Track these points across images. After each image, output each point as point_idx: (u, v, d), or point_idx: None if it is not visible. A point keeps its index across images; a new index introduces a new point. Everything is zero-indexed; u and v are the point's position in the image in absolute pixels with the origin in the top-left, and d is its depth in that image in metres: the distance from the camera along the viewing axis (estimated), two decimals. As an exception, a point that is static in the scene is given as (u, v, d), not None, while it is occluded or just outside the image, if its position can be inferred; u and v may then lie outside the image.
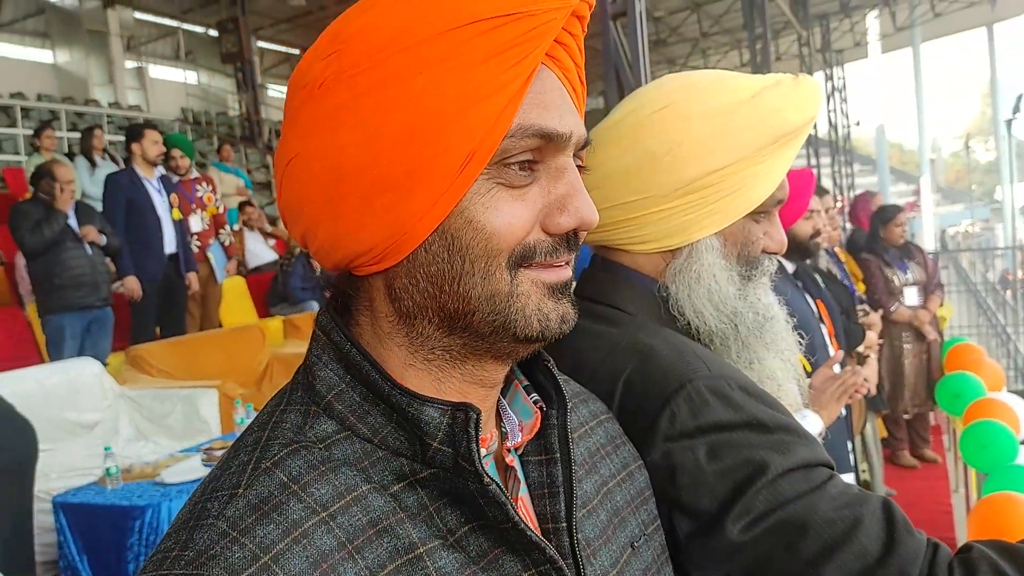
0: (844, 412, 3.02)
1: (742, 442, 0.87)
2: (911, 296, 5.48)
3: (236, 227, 8.82)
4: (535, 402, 0.76)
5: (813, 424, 2.35)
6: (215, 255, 6.77)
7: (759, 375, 1.12)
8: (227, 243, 7.00)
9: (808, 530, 0.83)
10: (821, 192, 4.74)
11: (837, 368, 3.11)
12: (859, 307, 4.52)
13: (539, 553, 0.66)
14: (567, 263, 0.70)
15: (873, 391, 4.34)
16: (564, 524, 0.71)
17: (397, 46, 0.63)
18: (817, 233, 2.99)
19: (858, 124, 28.37)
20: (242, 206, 9.10)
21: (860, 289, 5.09)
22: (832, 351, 3.07)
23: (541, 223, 0.67)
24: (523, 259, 0.67)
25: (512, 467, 0.73)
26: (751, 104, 1.08)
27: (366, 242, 0.66)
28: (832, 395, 2.36)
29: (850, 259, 5.22)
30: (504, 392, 0.78)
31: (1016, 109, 20.64)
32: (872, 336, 4.18)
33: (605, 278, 1.14)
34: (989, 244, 35.51)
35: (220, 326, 6.99)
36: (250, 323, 7.15)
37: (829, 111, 21.26)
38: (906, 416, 5.73)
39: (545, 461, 0.74)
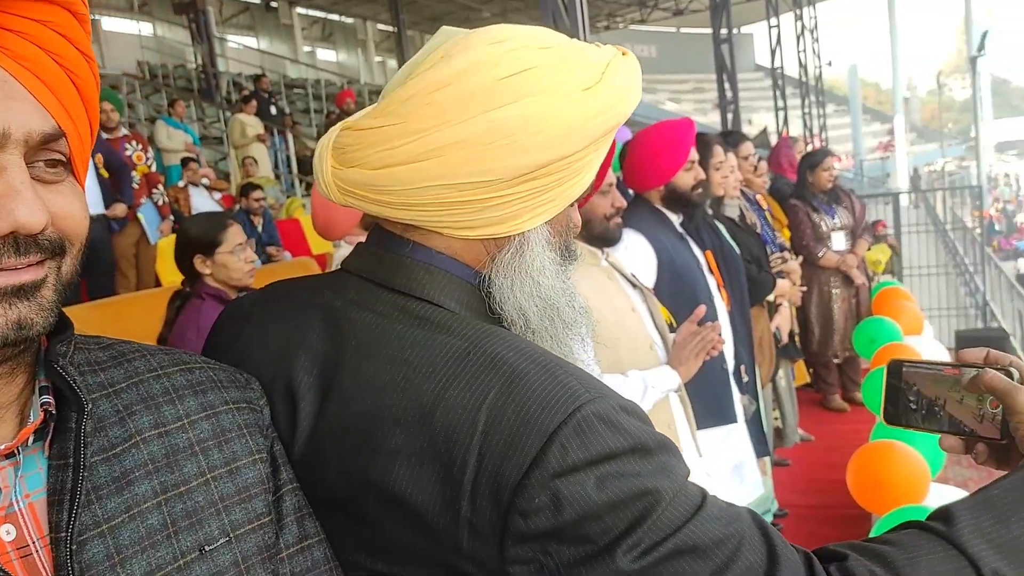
0: (731, 363, 3.04)
1: (630, 471, 0.81)
2: (839, 241, 5.48)
3: (181, 184, 8.71)
4: (43, 405, 0.74)
5: (671, 379, 2.35)
6: (147, 215, 6.66)
7: None
8: (160, 203, 6.88)
9: (698, 553, 0.80)
10: (738, 141, 4.70)
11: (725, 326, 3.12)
12: (777, 255, 4.51)
13: None
14: (26, 266, 0.67)
15: (785, 339, 4.37)
16: (64, 534, 0.70)
17: None
18: (699, 184, 2.94)
19: (830, 64, 28.16)
20: (185, 162, 8.95)
21: (784, 236, 5.08)
22: (720, 302, 3.06)
23: None
24: None
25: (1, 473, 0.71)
26: (603, 82, 0.94)
27: None
28: (691, 351, 2.35)
29: (775, 205, 5.19)
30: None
31: (981, 47, 20.53)
32: (784, 284, 4.18)
33: (416, 266, 0.97)
34: (964, 182, 35.66)
35: (159, 287, 6.90)
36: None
37: (799, 51, 21.05)
38: (836, 360, 5.76)
39: (61, 466, 0.72)
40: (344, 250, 3.02)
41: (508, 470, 0.80)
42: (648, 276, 2.76)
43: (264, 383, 0.94)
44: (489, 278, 0.97)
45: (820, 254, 5.42)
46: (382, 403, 0.86)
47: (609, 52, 0.97)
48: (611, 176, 2.32)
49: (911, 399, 1.04)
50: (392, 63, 23.83)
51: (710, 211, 3.59)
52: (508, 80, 0.90)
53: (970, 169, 39.92)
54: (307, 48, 23.34)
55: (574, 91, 0.91)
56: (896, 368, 1.07)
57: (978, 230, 16.32)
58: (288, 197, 11.06)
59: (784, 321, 4.20)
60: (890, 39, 37.08)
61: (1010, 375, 0.96)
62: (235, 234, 2.91)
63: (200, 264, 2.87)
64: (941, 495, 2.74)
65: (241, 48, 20.01)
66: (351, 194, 0.97)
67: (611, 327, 2.20)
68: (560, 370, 0.86)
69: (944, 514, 0.88)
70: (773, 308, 4.15)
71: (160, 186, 7.07)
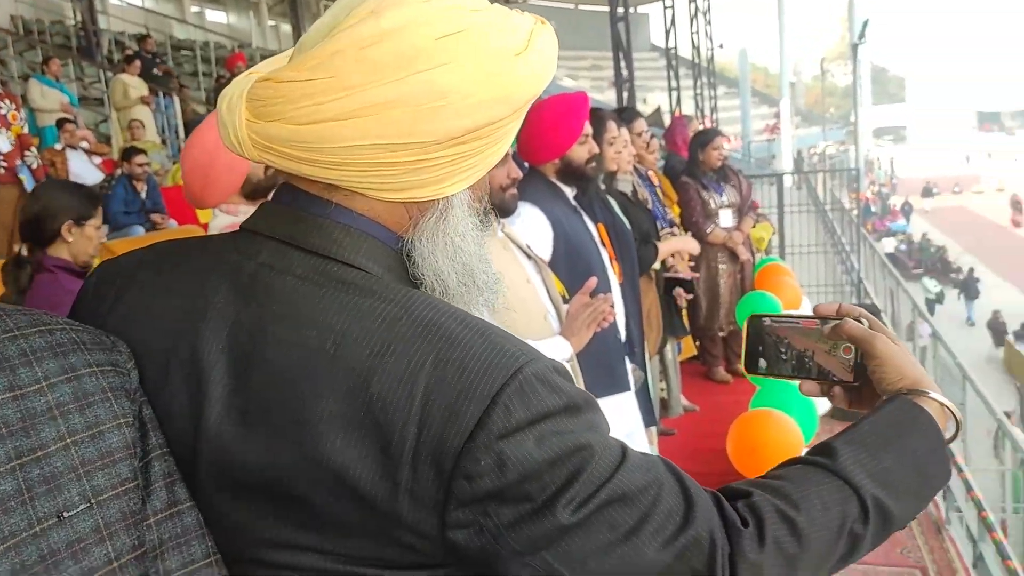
0: (623, 334, 3.12)
1: (565, 428, 0.83)
2: (726, 218, 5.65)
3: (59, 146, 8.27)
4: None
5: (563, 350, 2.40)
6: (25, 178, 6.31)
7: None
8: (35, 165, 6.51)
9: (626, 501, 0.84)
10: (631, 117, 4.80)
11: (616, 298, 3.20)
12: (667, 230, 4.64)
13: None
14: None
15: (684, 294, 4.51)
16: None
17: None
18: (593, 158, 2.99)
19: (721, 47, 28.86)
20: (61, 123, 8.49)
21: (675, 212, 5.22)
22: (612, 274, 3.13)
23: None
24: None
25: None
26: (530, 49, 0.93)
27: None
28: (583, 322, 2.40)
29: (666, 181, 5.32)
30: None
31: (862, 35, 21.49)
32: (674, 243, 4.30)
33: (336, 227, 0.93)
34: (843, 165, 37.24)
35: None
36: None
37: (693, 33, 21.52)
38: (721, 333, 5.98)
39: None
40: (222, 219, 2.77)
41: (451, 435, 0.80)
42: (544, 248, 2.80)
43: (157, 352, 0.90)
44: (411, 242, 0.96)
45: (708, 230, 5.59)
46: (310, 371, 0.83)
47: (530, 20, 0.97)
48: (507, 147, 2.34)
49: (781, 351, 1.13)
50: (286, 27, 23.07)
51: (603, 186, 3.66)
52: (443, 41, 0.87)
53: (849, 152, 41.81)
54: (195, 8, 22.35)
55: (506, 56, 0.91)
56: (756, 322, 1.16)
57: (855, 211, 17.09)
58: (174, 163, 10.62)
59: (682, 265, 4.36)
60: (778, 24, 38.35)
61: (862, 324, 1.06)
62: (101, 210, 2.90)
63: (67, 232, 2.74)
64: (814, 459, 2.90)
65: (124, 6, 19.03)
66: (269, 150, 0.92)
67: (507, 297, 2.23)
68: (493, 334, 0.86)
69: (826, 449, 0.96)
70: (665, 282, 4.28)
71: (34, 148, 6.70)
